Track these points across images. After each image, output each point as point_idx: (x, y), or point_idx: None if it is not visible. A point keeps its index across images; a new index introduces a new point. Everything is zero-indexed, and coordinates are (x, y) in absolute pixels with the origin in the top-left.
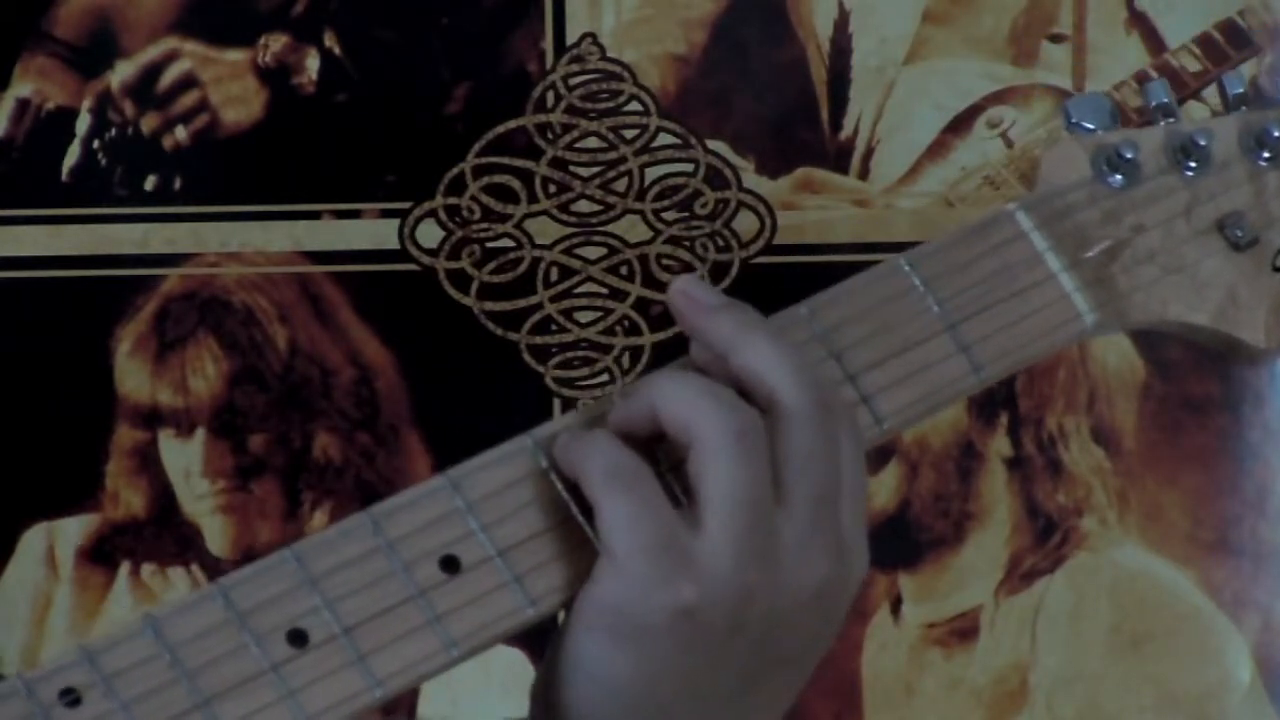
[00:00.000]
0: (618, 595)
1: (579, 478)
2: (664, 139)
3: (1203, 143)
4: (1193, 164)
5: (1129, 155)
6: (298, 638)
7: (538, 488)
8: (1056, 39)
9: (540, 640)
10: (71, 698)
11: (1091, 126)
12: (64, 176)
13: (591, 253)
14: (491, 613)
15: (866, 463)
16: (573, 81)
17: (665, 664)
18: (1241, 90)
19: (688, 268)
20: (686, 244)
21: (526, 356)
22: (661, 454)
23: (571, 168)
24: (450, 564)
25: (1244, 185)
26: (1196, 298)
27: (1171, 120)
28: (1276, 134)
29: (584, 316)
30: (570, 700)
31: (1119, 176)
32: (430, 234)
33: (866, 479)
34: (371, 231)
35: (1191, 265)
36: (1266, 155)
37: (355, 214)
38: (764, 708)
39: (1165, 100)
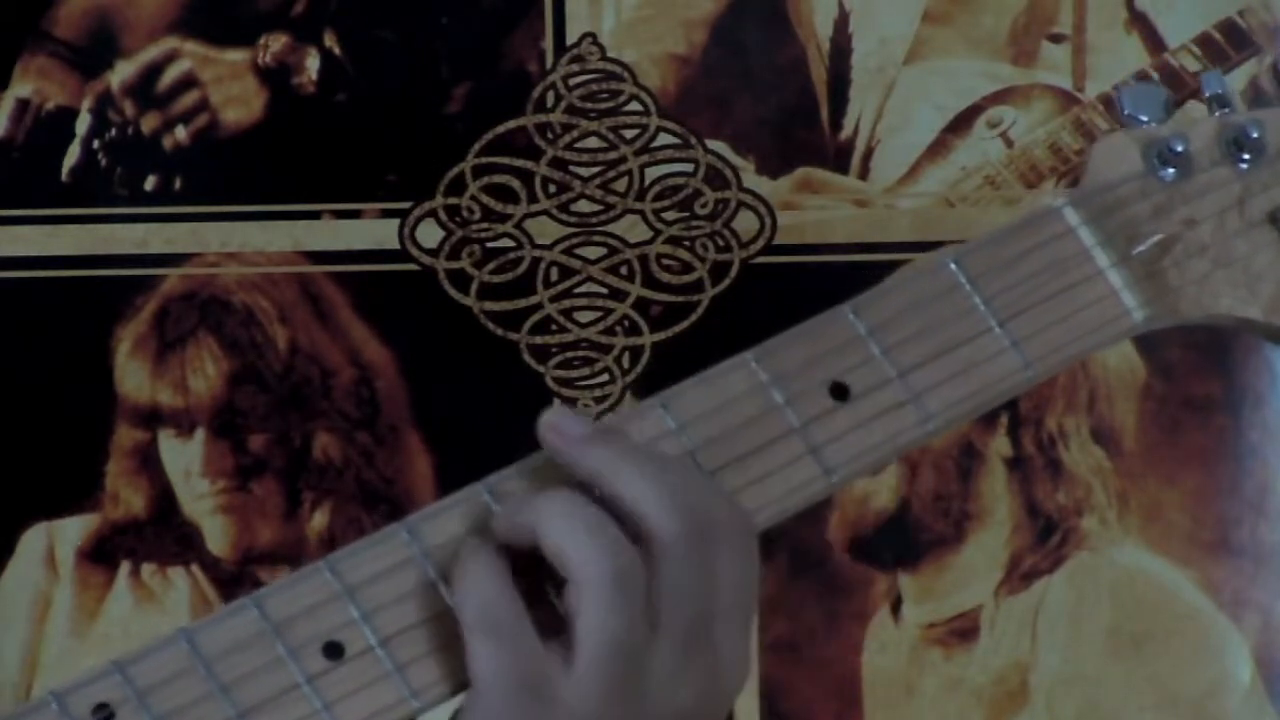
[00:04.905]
0: None
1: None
2: (664, 139)
3: (1255, 134)
4: (1246, 156)
5: (1180, 149)
6: (333, 649)
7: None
8: (1056, 39)
9: None
10: (104, 713)
11: (1145, 119)
12: (64, 176)
13: (591, 253)
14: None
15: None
16: (573, 81)
17: None
18: None
19: (688, 267)
20: (686, 244)
21: (526, 356)
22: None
23: (571, 168)
24: None
25: None
26: (1249, 291)
27: (1226, 111)
28: None
29: (584, 316)
30: None
31: (1171, 170)
32: (430, 234)
33: (754, 591)
34: (371, 231)
35: (1244, 258)
36: None
37: (355, 214)
38: None
39: (1220, 91)
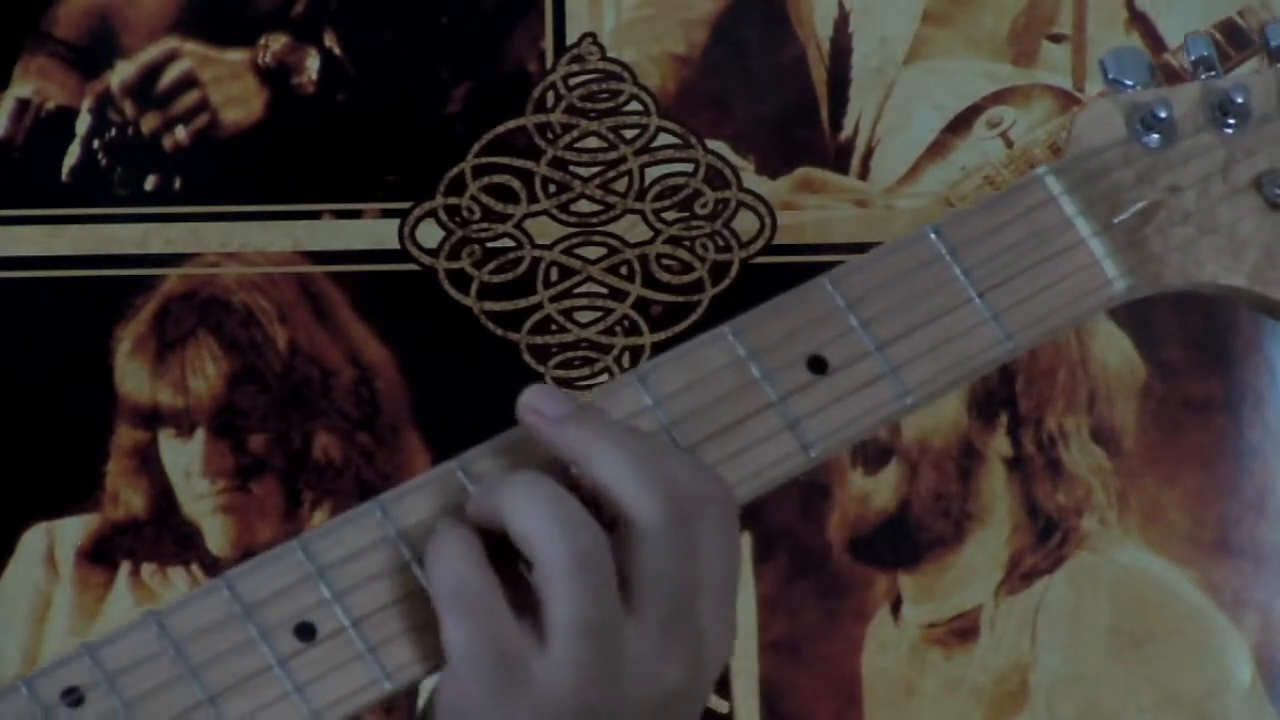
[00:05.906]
0: (456, 708)
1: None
2: (664, 139)
3: (1239, 99)
4: (1231, 120)
5: (1163, 114)
6: (305, 631)
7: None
8: (1056, 39)
9: None
10: (74, 697)
11: (1130, 83)
12: (64, 176)
13: (591, 253)
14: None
15: (865, 468)
16: (573, 81)
17: None
18: None
19: (688, 267)
20: (686, 244)
21: (526, 356)
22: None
23: (571, 168)
24: None
25: None
26: (1232, 259)
27: (1211, 74)
28: None
29: (584, 316)
30: None
31: (1155, 136)
32: (430, 234)
33: (737, 564)
34: (371, 231)
35: (1228, 225)
36: None
37: (355, 214)
38: None
39: (1206, 54)
